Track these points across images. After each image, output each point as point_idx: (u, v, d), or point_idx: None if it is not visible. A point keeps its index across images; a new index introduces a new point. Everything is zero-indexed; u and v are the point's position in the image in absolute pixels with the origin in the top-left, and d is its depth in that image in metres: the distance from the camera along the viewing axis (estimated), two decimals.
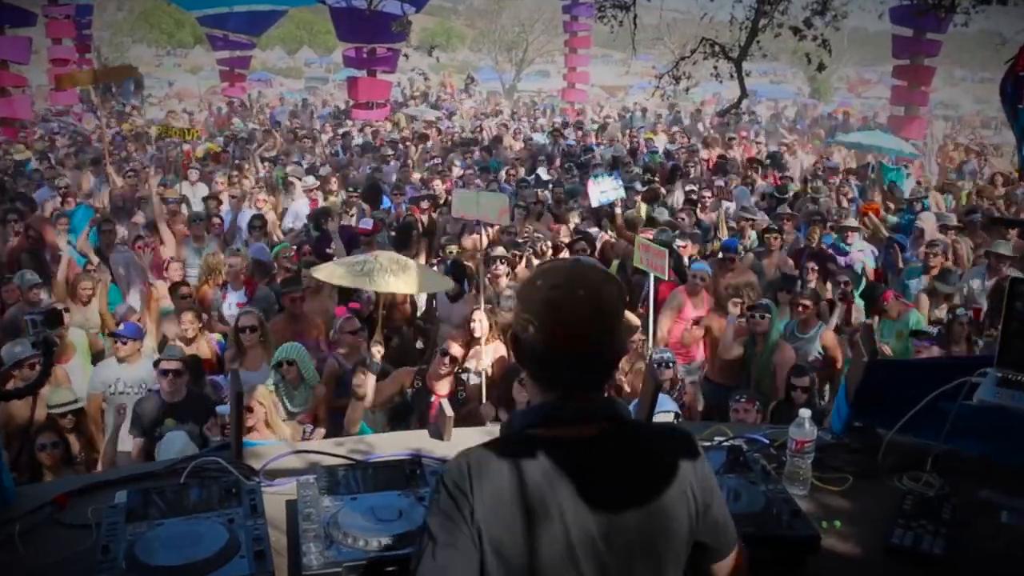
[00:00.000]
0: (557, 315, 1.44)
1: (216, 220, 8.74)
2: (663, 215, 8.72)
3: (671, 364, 5.28)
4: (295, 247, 7.99)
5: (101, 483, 2.25)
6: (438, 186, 10.71)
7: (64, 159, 13.32)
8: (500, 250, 7.27)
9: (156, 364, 4.99)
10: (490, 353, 5.67)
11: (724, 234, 8.40)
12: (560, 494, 1.41)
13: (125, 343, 5.39)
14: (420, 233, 8.53)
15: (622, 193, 8.26)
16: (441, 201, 9.87)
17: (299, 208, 9.98)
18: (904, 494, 2.26)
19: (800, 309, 6.11)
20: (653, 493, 1.46)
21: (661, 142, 16.20)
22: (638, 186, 10.29)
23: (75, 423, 4.84)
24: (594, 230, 8.27)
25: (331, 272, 5.75)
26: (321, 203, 10.13)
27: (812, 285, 6.78)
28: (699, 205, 9.58)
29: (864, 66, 43.17)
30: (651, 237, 7.76)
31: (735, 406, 4.70)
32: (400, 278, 5.55)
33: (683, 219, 8.76)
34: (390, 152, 14.08)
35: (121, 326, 5.63)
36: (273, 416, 4.38)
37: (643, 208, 9.04)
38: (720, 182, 10.69)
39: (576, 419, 1.47)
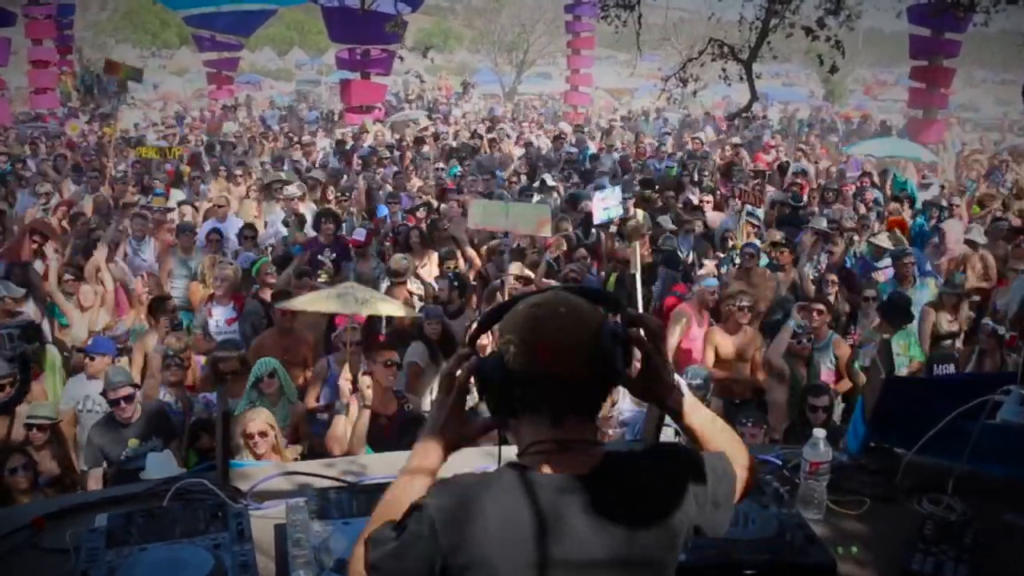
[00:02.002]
0: (537, 329, 1.43)
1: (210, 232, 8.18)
2: (667, 223, 8.53)
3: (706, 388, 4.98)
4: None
5: (80, 505, 2.18)
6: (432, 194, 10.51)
7: (41, 164, 13.03)
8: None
9: (104, 394, 4.72)
10: None
11: (741, 239, 8.23)
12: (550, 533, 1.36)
13: (94, 359, 5.15)
14: (424, 242, 8.08)
15: (621, 211, 8.08)
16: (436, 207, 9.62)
17: (275, 219, 9.29)
18: (924, 518, 2.19)
19: (815, 315, 5.87)
20: (645, 526, 1.42)
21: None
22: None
23: (47, 440, 4.46)
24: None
25: (312, 301, 5.55)
26: (310, 211, 9.91)
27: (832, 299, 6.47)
28: (717, 208, 9.26)
29: (880, 67, 42.33)
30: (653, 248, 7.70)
31: (741, 430, 4.54)
32: (387, 304, 5.52)
33: (688, 226, 8.51)
34: (387, 156, 13.91)
35: (91, 341, 5.31)
36: (280, 442, 4.22)
37: (641, 215, 8.83)
38: (742, 186, 10.49)
39: (565, 451, 1.43)
